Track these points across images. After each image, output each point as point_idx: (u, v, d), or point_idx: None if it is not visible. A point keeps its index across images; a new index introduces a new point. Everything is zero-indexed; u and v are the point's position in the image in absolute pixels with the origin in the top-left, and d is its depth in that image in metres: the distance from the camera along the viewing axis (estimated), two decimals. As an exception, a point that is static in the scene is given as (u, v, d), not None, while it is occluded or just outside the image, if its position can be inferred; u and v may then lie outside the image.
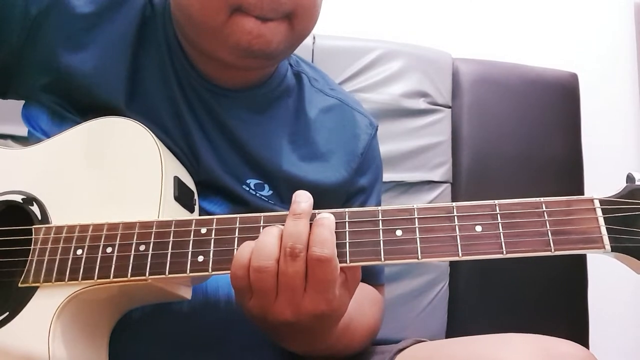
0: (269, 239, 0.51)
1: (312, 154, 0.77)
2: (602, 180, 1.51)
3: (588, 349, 0.62)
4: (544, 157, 1.41)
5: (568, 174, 1.44)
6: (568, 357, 0.57)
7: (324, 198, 0.74)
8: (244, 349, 0.71)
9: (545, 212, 0.51)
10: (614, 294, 1.55)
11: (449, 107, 1.41)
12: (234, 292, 0.55)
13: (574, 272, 1.38)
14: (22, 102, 0.74)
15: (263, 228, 0.53)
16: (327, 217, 0.52)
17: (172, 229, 0.54)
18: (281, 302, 0.52)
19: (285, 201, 0.73)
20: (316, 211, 0.53)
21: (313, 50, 1.32)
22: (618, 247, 0.49)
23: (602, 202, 0.51)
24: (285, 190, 0.73)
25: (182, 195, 0.63)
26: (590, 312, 1.39)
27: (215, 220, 0.55)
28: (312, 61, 1.29)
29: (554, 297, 1.35)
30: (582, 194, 1.45)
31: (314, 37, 1.33)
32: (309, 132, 0.78)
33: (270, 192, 0.73)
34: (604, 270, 1.30)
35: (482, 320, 1.29)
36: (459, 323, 1.30)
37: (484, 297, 1.31)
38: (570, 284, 1.39)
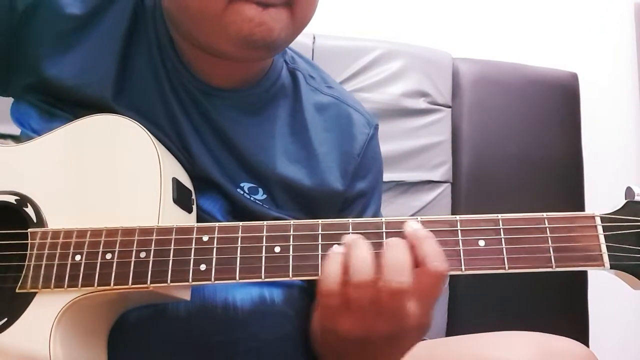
0: (364, 253, 0.50)
1: (308, 156, 0.74)
2: (602, 180, 1.51)
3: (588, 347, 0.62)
4: (544, 157, 1.41)
5: (568, 174, 1.44)
6: (568, 354, 0.57)
7: (320, 202, 0.73)
8: (242, 354, 0.70)
9: (547, 229, 0.52)
10: (614, 294, 1.55)
11: (449, 107, 1.41)
12: (323, 311, 0.53)
13: (574, 272, 1.38)
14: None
15: (265, 237, 0.53)
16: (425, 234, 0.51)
17: (173, 236, 0.54)
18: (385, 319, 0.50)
19: (279, 206, 0.71)
20: (401, 218, 0.52)
21: (313, 50, 1.31)
22: (617, 265, 0.51)
23: (603, 219, 0.52)
24: (279, 195, 0.71)
25: (181, 197, 0.61)
26: (590, 312, 1.39)
27: (217, 228, 0.54)
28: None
29: (554, 297, 1.35)
30: (582, 194, 1.46)
31: (314, 37, 1.33)
32: (305, 133, 0.75)
33: (265, 196, 0.71)
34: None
35: (482, 319, 1.29)
36: (459, 322, 1.30)
37: (484, 296, 1.32)
38: (570, 284, 1.39)
